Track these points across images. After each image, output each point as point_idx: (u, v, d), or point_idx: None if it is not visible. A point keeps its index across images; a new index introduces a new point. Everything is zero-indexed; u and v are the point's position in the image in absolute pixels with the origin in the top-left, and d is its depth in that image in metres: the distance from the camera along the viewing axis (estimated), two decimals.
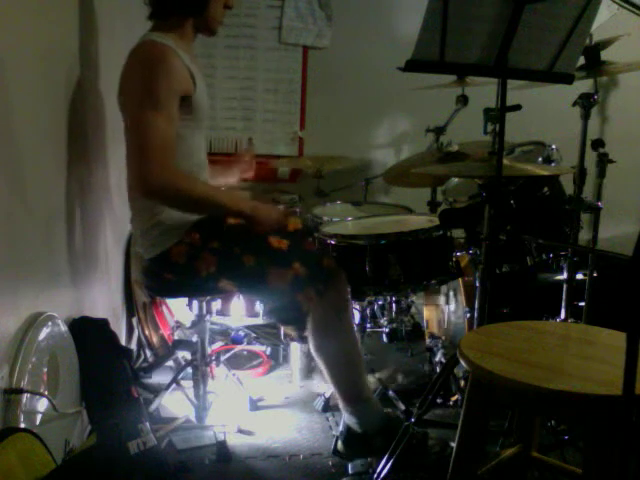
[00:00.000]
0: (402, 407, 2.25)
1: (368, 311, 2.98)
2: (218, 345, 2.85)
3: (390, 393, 2.32)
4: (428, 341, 2.70)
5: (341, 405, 2.00)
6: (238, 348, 2.84)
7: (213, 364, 2.38)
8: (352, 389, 1.98)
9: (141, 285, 2.25)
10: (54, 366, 1.47)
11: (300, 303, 1.87)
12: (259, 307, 2.75)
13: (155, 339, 2.68)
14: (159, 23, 1.91)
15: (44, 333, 1.42)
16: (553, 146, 2.42)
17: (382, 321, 2.96)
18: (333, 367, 1.96)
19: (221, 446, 2.03)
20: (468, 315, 2.27)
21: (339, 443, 2.00)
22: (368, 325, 2.91)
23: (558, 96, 2.43)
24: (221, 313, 2.81)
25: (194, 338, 2.35)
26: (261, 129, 3.66)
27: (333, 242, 2.18)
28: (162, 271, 1.96)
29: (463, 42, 1.57)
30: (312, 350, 1.97)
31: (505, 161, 1.74)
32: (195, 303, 2.24)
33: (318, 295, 1.87)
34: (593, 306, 2.13)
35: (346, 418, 1.99)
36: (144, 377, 2.52)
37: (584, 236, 2.41)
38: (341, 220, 2.55)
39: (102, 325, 1.81)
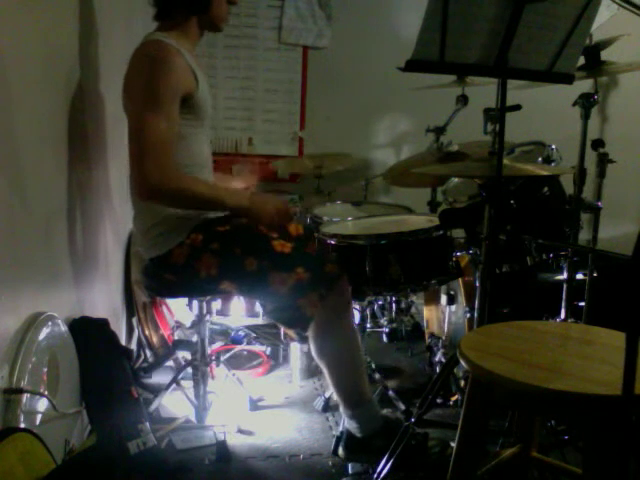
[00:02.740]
0: (402, 407, 2.25)
1: (368, 311, 2.98)
2: (218, 345, 2.86)
3: (390, 393, 2.32)
4: (428, 341, 2.70)
5: (342, 409, 2.00)
6: (238, 348, 2.84)
7: (213, 364, 2.38)
8: (353, 392, 1.98)
9: (141, 285, 2.25)
10: (54, 366, 1.47)
11: (302, 306, 1.87)
12: (259, 307, 2.75)
13: (155, 339, 2.68)
14: (164, 23, 1.92)
15: (44, 333, 1.42)
16: (553, 146, 2.42)
17: (382, 321, 2.96)
18: (335, 370, 1.96)
19: (221, 446, 2.03)
20: (468, 315, 2.27)
21: (340, 448, 1.99)
22: (368, 325, 2.91)
23: (558, 96, 2.43)
24: (221, 313, 2.81)
25: (194, 338, 2.35)
26: (261, 129, 3.66)
27: (333, 242, 2.18)
28: (162, 271, 1.96)
29: (463, 42, 1.57)
30: (314, 353, 1.97)
31: (505, 161, 1.74)
32: (195, 303, 2.24)
33: (321, 299, 1.87)
34: (593, 306, 2.13)
35: (347, 422, 1.99)
36: (144, 377, 2.52)
37: (584, 236, 2.41)
38: (341, 220, 2.55)
39: (102, 325, 1.81)
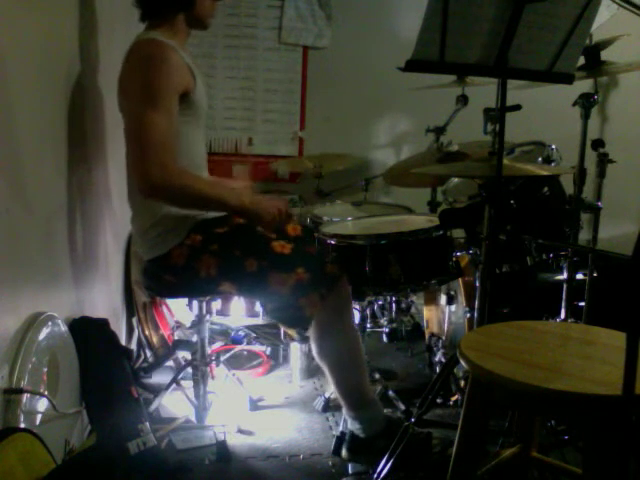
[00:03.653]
0: (402, 407, 2.25)
1: (368, 311, 2.98)
2: (218, 345, 2.86)
3: (390, 393, 2.32)
4: (428, 341, 2.70)
5: (345, 410, 2.00)
6: (238, 348, 2.84)
7: (213, 364, 2.38)
8: (355, 393, 1.98)
9: (141, 285, 2.25)
10: (54, 366, 1.47)
11: (303, 306, 1.87)
12: (259, 307, 2.75)
13: (155, 339, 2.68)
14: (152, 22, 1.92)
15: (44, 333, 1.42)
16: (553, 146, 2.42)
17: (382, 321, 2.96)
18: (336, 370, 1.95)
19: (221, 446, 2.03)
20: (468, 315, 2.27)
21: (342, 449, 1.99)
22: (368, 325, 2.91)
23: (558, 96, 2.43)
24: (221, 313, 2.81)
25: (194, 338, 2.35)
26: (261, 129, 3.66)
27: (333, 242, 2.18)
28: (162, 272, 1.95)
29: (463, 42, 1.57)
30: (315, 354, 1.97)
31: (505, 161, 1.74)
32: (195, 303, 2.24)
33: (321, 299, 1.87)
34: (593, 306, 2.13)
35: (350, 424, 1.99)
36: (144, 377, 2.52)
37: (584, 236, 2.41)
38: (341, 220, 2.55)
39: (102, 325, 1.81)
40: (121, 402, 1.67)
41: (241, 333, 2.92)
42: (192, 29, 1.98)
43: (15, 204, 1.40)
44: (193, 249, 1.90)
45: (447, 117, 3.02)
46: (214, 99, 3.51)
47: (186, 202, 1.84)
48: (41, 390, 1.38)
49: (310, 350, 2.12)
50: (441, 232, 2.18)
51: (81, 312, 1.85)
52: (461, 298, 2.36)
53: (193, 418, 2.22)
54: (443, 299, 2.50)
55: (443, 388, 2.09)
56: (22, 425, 1.26)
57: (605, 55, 2.07)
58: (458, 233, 2.48)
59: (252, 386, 2.49)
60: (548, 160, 2.39)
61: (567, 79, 1.74)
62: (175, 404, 2.30)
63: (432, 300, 2.76)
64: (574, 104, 2.09)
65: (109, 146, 2.26)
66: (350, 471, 1.93)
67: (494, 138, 2.11)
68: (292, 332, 2.00)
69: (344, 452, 1.99)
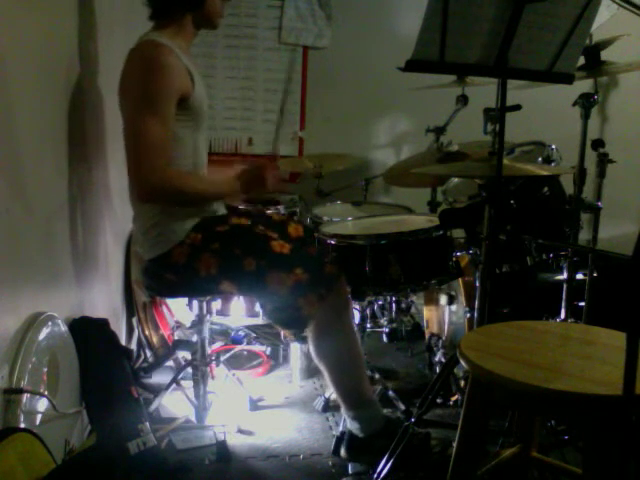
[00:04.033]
0: (402, 407, 2.25)
1: (368, 311, 2.98)
2: (218, 345, 2.85)
3: (390, 393, 2.32)
4: (428, 341, 2.70)
5: (343, 410, 1.99)
6: (238, 348, 2.84)
7: (213, 364, 2.38)
8: (354, 392, 1.98)
9: (141, 285, 2.25)
10: (54, 366, 1.47)
11: (301, 307, 1.87)
12: (259, 307, 2.75)
13: (155, 339, 2.68)
14: (159, 22, 1.92)
15: (44, 333, 1.42)
16: (553, 146, 2.42)
17: (382, 321, 2.96)
18: (334, 370, 1.95)
19: (221, 446, 2.03)
20: (468, 315, 2.27)
21: (341, 449, 1.99)
22: (368, 325, 2.91)
23: (558, 96, 2.43)
24: (221, 313, 2.81)
25: (194, 338, 2.35)
26: (261, 129, 3.66)
27: (333, 242, 2.18)
28: (163, 271, 1.96)
29: (463, 42, 1.57)
30: (313, 354, 1.97)
31: (505, 161, 1.74)
32: (195, 303, 2.24)
33: (320, 300, 1.87)
34: (593, 306, 2.13)
35: (348, 423, 1.99)
36: (144, 377, 2.52)
37: (584, 236, 2.41)
38: (341, 220, 2.55)
39: (102, 325, 1.81)
40: (121, 402, 1.67)
41: (241, 333, 2.92)
42: (201, 29, 1.99)
43: (15, 204, 1.40)
44: (194, 248, 1.91)
45: (447, 117, 3.02)
46: (214, 99, 3.51)
47: (184, 202, 1.92)
48: (41, 390, 1.38)
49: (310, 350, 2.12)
50: (441, 232, 2.18)
51: (81, 312, 1.85)
52: (461, 298, 2.36)
53: (193, 418, 2.22)
54: (443, 299, 2.50)
55: (443, 388, 2.09)
56: (22, 425, 1.26)
57: (605, 55, 2.07)
58: (458, 233, 2.48)
59: (252, 386, 2.49)
60: (548, 160, 2.39)
61: (567, 79, 1.74)
62: (175, 404, 2.30)
63: (432, 300, 2.76)
64: (574, 104, 2.09)
65: (109, 146, 2.26)
66: (350, 471, 1.93)
67: (494, 138, 2.11)
68: (289, 333, 2.00)
69: (343, 451, 1.99)
